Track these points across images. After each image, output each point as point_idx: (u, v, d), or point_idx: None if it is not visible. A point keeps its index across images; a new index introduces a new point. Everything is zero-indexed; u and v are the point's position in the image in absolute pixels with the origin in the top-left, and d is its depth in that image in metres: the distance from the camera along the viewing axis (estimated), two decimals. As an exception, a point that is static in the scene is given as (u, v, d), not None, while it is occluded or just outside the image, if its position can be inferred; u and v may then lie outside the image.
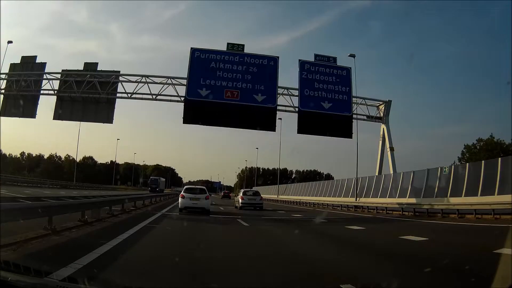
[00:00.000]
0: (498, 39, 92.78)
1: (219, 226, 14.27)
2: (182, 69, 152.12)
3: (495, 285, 2.59)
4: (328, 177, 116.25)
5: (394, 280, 4.89)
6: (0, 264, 3.34)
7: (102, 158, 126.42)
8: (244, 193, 26.53)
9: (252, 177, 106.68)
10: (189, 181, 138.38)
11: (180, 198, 18.75)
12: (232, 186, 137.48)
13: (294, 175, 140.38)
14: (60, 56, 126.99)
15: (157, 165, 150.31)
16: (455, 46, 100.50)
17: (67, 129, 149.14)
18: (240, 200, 25.68)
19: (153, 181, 77.04)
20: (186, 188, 19.63)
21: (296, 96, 25.65)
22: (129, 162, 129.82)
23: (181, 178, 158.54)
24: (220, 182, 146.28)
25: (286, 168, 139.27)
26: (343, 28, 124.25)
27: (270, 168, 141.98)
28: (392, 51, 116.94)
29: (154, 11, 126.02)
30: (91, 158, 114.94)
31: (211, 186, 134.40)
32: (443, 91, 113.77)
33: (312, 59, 25.70)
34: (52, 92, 27.00)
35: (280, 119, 48.76)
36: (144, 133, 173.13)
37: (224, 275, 5.44)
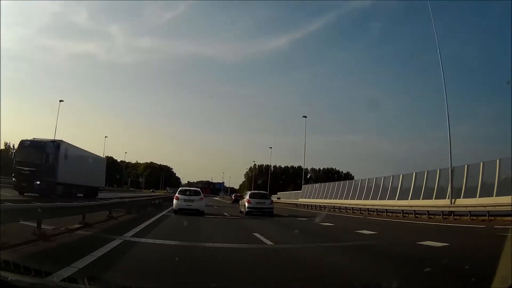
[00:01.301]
0: (498, 38, 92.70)
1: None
2: (181, 71, 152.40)
3: (495, 285, 2.59)
4: (348, 176, 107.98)
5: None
6: (0, 264, 3.35)
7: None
8: (251, 196, 22.56)
9: (262, 176, 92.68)
10: (188, 181, 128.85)
11: (174, 200, 19.14)
12: (237, 188, 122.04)
13: (309, 174, 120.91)
14: (60, 57, 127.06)
15: (151, 162, 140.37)
16: (455, 46, 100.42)
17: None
18: (246, 204, 21.74)
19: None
20: (181, 190, 20.06)
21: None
22: (118, 158, 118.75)
23: (179, 178, 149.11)
24: (223, 183, 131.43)
25: (300, 166, 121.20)
26: (343, 29, 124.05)
27: (283, 166, 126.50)
28: (391, 52, 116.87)
29: (154, 13, 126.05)
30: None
31: (213, 188, 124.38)
32: (442, 91, 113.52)
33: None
34: None
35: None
36: (140, 130, 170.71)
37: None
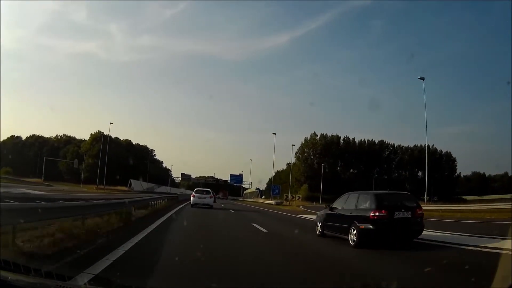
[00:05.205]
0: (498, 39, 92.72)
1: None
2: (182, 69, 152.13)
3: (495, 285, 2.59)
4: (449, 156, 74.71)
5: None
6: (0, 264, 3.34)
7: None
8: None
9: (326, 158, 58.54)
10: (182, 173, 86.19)
11: (191, 197, 27.17)
12: (262, 187, 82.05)
13: (398, 156, 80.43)
14: (60, 56, 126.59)
15: (114, 137, 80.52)
16: (456, 46, 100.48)
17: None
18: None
19: None
20: (196, 190, 27.94)
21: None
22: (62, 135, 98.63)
23: (169, 170, 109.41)
24: (241, 174, 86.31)
25: (383, 141, 79.35)
26: (344, 27, 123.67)
27: (357, 139, 78.50)
28: (393, 50, 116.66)
29: (154, 11, 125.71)
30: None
31: (224, 185, 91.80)
32: (443, 91, 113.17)
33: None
34: None
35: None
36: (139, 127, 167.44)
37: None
